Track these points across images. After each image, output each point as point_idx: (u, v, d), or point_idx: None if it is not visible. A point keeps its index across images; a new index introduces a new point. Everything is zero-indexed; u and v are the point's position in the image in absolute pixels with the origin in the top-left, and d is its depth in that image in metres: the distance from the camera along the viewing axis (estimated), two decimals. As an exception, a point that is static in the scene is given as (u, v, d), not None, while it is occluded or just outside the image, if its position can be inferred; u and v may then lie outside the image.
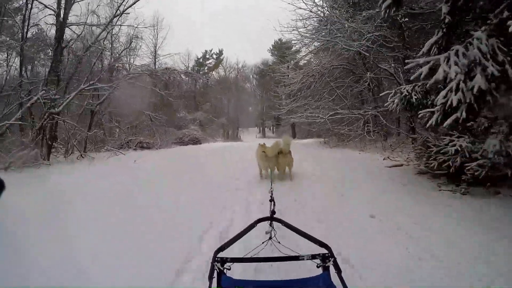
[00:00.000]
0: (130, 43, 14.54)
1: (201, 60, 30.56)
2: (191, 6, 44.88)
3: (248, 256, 1.27)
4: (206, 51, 30.95)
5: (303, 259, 1.15)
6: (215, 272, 1.08)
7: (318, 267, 1.13)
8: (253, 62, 32.60)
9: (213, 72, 31.13)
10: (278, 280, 1.37)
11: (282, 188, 4.28)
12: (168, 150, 12.39)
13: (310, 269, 1.22)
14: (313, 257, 1.13)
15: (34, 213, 3.16)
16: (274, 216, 1.46)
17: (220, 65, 31.06)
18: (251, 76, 34.31)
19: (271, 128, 40.47)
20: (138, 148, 12.07)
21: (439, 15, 4.42)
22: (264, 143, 4.99)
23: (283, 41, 31.63)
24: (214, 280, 1.06)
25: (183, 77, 18.25)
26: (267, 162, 4.77)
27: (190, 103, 29.29)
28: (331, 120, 9.35)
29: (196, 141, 16.85)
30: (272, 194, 1.73)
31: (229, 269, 1.13)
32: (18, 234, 2.64)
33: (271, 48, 31.18)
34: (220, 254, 1.15)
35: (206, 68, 31.21)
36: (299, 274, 1.24)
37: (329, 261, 1.11)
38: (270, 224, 1.41)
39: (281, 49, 31.19)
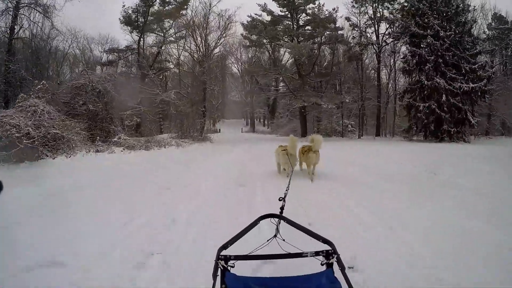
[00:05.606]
0: None
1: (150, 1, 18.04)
2: None
3: (252, 253, 1.24)
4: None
5: (307, 256, 1.12)
6: (219, 270, 1.07)
7: (322, 264, 1.11)
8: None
9: (171, 21, 18.74)
10: (282, 276, 1.19)
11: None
12: None
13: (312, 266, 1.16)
14: (317, 253, 1.12)
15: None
16: (277, 213, 1.45)
17: (185, 10, 18.61)
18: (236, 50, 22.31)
19: (262, 120, 28.66)
20: None
21: None
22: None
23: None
24: (218, 278, 1.05)
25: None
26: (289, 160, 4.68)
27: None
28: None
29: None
30: (287, 191, 1.85)
31: (233, 267, 1.10)
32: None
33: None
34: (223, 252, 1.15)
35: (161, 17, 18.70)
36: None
37: (333, 257, 1.08)
38: (278, 222, 1.41)
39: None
